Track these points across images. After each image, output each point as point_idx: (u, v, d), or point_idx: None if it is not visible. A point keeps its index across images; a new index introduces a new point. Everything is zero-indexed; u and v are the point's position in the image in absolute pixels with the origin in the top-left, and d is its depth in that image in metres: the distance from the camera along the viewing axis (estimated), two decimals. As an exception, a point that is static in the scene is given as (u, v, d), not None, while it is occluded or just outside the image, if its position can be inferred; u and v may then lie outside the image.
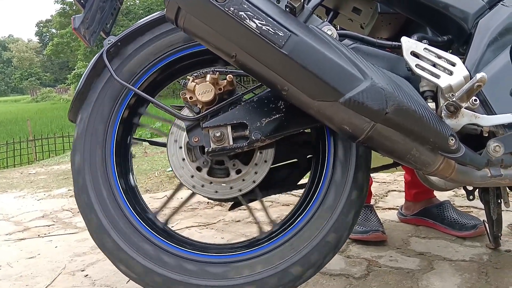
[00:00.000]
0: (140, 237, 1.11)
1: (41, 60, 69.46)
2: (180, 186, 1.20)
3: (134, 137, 1.25)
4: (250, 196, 1.21)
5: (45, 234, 1.99)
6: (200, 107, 1.06)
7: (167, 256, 1.10)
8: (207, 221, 2.04)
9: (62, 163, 4.84)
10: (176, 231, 1.23)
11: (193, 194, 1.19)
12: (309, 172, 1.23)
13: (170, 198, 1.26)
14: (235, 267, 1.09)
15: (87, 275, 1.50)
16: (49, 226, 2.12)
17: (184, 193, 1.17)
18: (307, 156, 1.28)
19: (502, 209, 1.42)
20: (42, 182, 3.52)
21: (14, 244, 1.87)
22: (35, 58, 69.68)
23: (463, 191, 2.16)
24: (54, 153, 7.54)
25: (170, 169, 1.14)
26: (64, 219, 2.22)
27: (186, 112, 1.10)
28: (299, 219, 1.11)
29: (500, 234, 1.47)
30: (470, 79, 0.97)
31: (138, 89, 1.13)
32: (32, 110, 23.86)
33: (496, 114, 1.03)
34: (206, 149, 1.05)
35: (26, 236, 1.97)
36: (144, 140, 1.42)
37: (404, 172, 1.88)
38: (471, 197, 1.39)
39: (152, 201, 2.49)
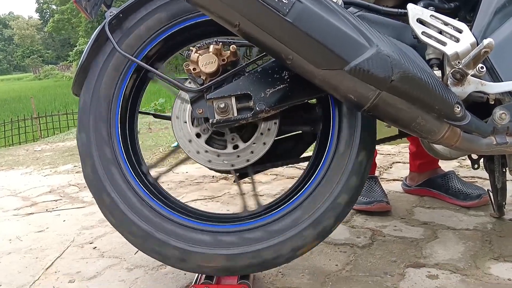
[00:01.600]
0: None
1: (43, 37, 68.97)
2: (177, 148, 1.19)
3: (140, 110, 1.24)
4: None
5: (52, 208, 2.02)
6: (203, 79, 1.05)
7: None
8: (212, 194, 2.06)
9: (67, 140, 4.85)
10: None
11: (187, 157, 1.19)
12: (314, 144, 1.23)
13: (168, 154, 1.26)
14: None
15: (95, 247, 1.53)
16: (56, 201, 2.14)
17: (188, 168, 1.17)
18: (312, 128, 1.28)
19: (507, 178, 1.43)
20: (48, 158, 3.54)
21: (23, 218, 1.90)
22: (36, 35, 69.12)
23: (467, 162, 2.16)
24: (59, 130, 7.57)
25: (175, 144, 1.15)
26: (71, 194, 2.25)
27: (190, 83, 1.09)
28: (304, 188, 1.11)
29: (504, 203, 1.48)
30: (477, 45, 0.96)
31: (141, 61, 1.13)
32: (35, 88, 23.82)
33: (502, 81, 1.02)
34: (210, 121, 1.05)
35: (34, 211, 2.00)
36: (149, 114, 1.42)
37: (409, 143, 1.88)
38: (476, 166, 1.39)
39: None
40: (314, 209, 1.08)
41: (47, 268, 1.38)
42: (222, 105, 1.03)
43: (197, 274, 1.17)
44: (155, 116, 1.36)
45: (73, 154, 3.61)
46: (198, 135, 1.13)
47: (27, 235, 1.68)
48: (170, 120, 1.14)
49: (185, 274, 1.24)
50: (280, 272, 1.25)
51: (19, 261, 1.45)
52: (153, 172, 1.23)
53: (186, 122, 1.12)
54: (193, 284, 1.14)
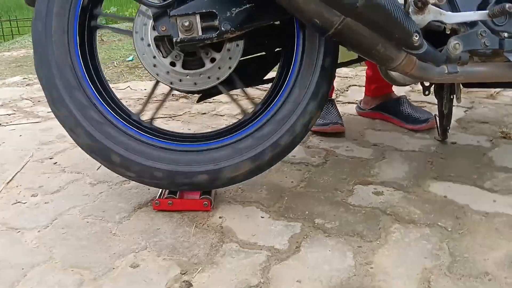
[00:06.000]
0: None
1: None
2: (156, 84, 1.20)
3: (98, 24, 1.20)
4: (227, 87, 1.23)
5: (6, 123, 1.96)
6: (167, -6, 1.02)
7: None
8: (173, 113, 2.06)
9: (13, 50, 4.56)
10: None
11: (171, 90, 1.20)
12: (277, 65, 1.25)
13: (149, 97, 1.25)
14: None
15: (56, 162, 1.53)
16: (9, 115, 2.08)
17: (146, 85, 1.17)
18: (275, 50, 1.29)
19: (453, 104, 1.53)
20: (-6, 70, 3.35)
21: (-25, 132, 1.85)
22: None
23: (419, 87, 2.26)
24: (2, 39, 7.03)
25: (130, 58, 1.14)
26: (24, 108, 2.18)
27: (152, -2, 1.05)
28: (269, 107, 1.15)
29: (448, 128, 1.60)
30: (441, -26, 0.98)
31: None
32: (-30, -10, 21.60)
33: (461, 11, 1.06)
34: (174, 39, 1.03)
35: (-14, 125, 1.94)
36: (107, 27, 1.37)
37: (366, 67, 1.93)
38: (426, 92, 1.47)
39: (114, 91, 2.45)
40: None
41: (8, 182, 1.38)
42: (186, 23, 1.01)
43: (160, 190, 1.22)
44: (114, 30, 1.31)
45: (20, 65, 3.42)
46: (172, 64, 1.12)
47: (-18, 149, 1.65)
48: (131, 36, 1.12)
49: (148, 189, 1.29)
50: (240, 188, 1.32)
51: (-23, 175, 1.44)
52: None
53: (155, 57, 1.12)
54: (157, 198, 1.19)
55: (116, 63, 3.28)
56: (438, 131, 1.63)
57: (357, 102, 2.05)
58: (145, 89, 2.48)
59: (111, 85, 2.39)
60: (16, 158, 1.57)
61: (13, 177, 1.42)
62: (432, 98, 1.61)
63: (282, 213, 1.19)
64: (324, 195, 1.28)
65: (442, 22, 1.06)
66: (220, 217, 1.18)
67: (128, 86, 2.55)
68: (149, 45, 1.12)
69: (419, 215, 1.17)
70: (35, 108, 2.16)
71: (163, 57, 1.13)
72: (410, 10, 1.02)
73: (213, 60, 1.13)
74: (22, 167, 1.49)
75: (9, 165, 1.51)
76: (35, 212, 1.22)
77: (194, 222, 1.15)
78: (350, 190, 1.31)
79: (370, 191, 1.30)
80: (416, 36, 1.00)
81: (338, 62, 1.26)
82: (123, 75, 2.93)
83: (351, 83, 2.49)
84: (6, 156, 1.59)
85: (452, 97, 1.48)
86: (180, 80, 1.14)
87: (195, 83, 1.14)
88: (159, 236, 1.10)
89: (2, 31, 7.45)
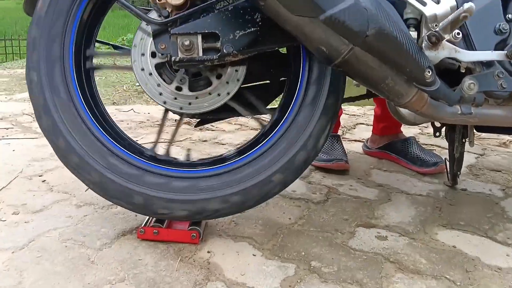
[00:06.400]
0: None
1: (6, -46, 63.85)
2: (166, 112, 1.15)
3: (98, 39, 1.16)
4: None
5: (2, 136, 1.91)
6: (169, 11, 0.98)
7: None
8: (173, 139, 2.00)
9: (26, 67, 4.60)
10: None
11: (182, 115, 1.15)
12: (281, 95, 1.19)
13: (161, 128, 1.20)
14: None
15: (44, 180, 1.46)
16: (7, 129, 2.04)
17: (149, 109, 1.11)
18: (280, 79, 1.23)
19: (465, 149, 1.45)
20: (4, 85, 3.35)
21: (-31, 144, 1.80)
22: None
23: (429, 130, 2.20)
24: (18, 56, 7.14)
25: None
26: (23, 123, 2.14)
27: (154, 15, 1.01)
28: (267, 139, 1.08)
29: (459, 173, 1.51)
30: (457, 9, 0.93)
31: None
32: (-4, 9, 22.26)
33: (476, 50, 1.00)
34: (173, 59, 0.98)
35: (-18, 137, 1.89)
36: (107, 43, 1.33)
37: (375, 106, 1.88)
38: (437, 133, 1.40)
39: (117, 113, 2.42)
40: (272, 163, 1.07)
41: (-9, 198, 1.31)
42: (186, 43, 0.96)
43: (147, 217, 1.14)
44: (114, 47, 1.27)
45: (30, 82, 3.42)
46: (178, 89, 1.08)
47: (-28, 162, 1.60)
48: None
49: (136, 216, 1.21)
50: (233, 221, 1.24)
51: (-39, 188, 1.38)
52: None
53: (160, 85, 1.08)
54: (142, 226, 1.11)
55: (126, 87, 3.28)
56: (448, 176, 1.54)
57: (363, 140, 1.98)
58: (148, 113, 2.44)
59: (115, 107, 2.36)
60: (4, 173, 1.50)
61: (-3, 192, 1.35)
62: (442, 142, 1.54)
63: (276, 252, 1.10)
64: (323, 235, 1.20)
65: (456, 60, 1.00)
66: (208, 252, 1.09)
67: (132, 109, 2.51)
68: (150, 74, 1.07)
69: (425, 265, 1.08)
70: (34, 124, 2.11)
71: (167, 83, 1.08)
72: (423, 44, 0.96)
73: (219, 76, 1.08)
74: (9, 183, 1.43)
75: (-4, 180, 1.44)
76: (13, 231, 1.14)
77: (179, 255, 1.06)
78: (351, 232, 1.22)
79: (373, 235, 1.21)
80: (429, 72, 0.94)
81: (345, 96, 1.20)
82: (131, 99, 2.90)
83: (358, 121, 2.43)
84: (-6, 170, 1.53)
85: (464, 140, 1.41)
86: (190, 104, 1.09)
87: (206, 104, 1.09)
88: (140, 267, 1.01)
89: (19, 49, 7.60)
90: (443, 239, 1.20)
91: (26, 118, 2.22)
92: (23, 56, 7.00)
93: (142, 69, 1.08)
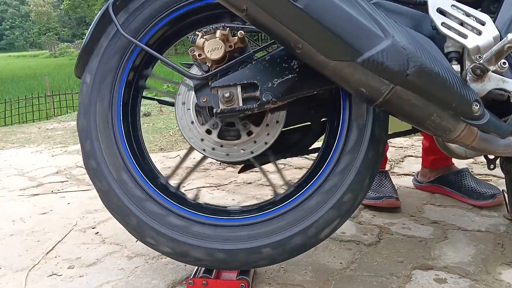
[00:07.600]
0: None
1: (59, 15, 69.07)
2: (191, 149, 1.17)
3: (144, 95, 1.21)
4: (262, 159, 1.18)
5: (58, 190, 2.01)
6: (209, 65, 1.01)
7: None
8: (218, 182, 2.02)
9: (78, 120, 4.85)
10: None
11: (204, 157, 1.17)
12: (323, 135, 1.19)
13: (180, 163, 1.22)
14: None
15: (97, 232, 1.51)
16: (62, 182, 2.13)
17: (197, 154, 1.13)
18: (321, 119, 1.23)
19: (524, 179, 1.36)
20: (59, 137, 3.54)
21: (28, 199, 1.90)
22: (52, 12, 69.17)
23: (482, 158, 2.09)
24: (72, 109, 7.58)
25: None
26: (77, 176, 2.23)
27: (194, 70, 1.05)
28: (312, 181, 1.07)
29: (519, 205, 1.42)
30: (500, 40, 0.90)
31: (145, 45, 1.08)
32: (50, 65, 23.94)
33: (526, 79, 0.96)
34: (214, 110, 1.00)
35: (39, 192, 1.99)
36: (152, 99, 1.38)
37: (423, 137, 1.82)
38: (491, 166, 1.32)
39: (165, 160, 2.48)
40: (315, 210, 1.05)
41: (48, 253, 1.36)
42: (227, 94, 0.98)
43: (196, 267, 1.14)
44: (159, 102, 1.32)
45: (83, 134, 3.60)
46: (208, 132, 1.09)
47: (30, 217, 1.67)
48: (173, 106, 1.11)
49: (185, 266, 1.21)
50: (282, 267, 1.21)
51: (21, 244, 1.44)
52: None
53: (193, 122, 1.09)
54: (191, 277, 1.11)
55: (172, 132, 3.38)
56: (507, 208, 1.45)
57: (413, 174, 1.91)
58: (194, 158, 2.49)
59: (162, 154, 2.42)
60: (60, 226, 1.56)
61: (54, 247, 1.40)
62: (498, 171, 1.46)
63: (329, 300, 1.06)
64: (377, 280, 1.14)
65: (505, 90, 0.95)
66: (258, 301, 1.07)
67: (178, 155, 2.57)
68: (189, 109, 1.10)
69: (491, 310, 1.00)
70: (87, 176, 2.20)
71: (201, 124, 1.10)
72: (468, 78, 0.93)
73: (250, 133, 1.08)
74: (64, 237, 1.48)
75: (52, 234, 1.50)
76: (68, 285, 1.17)
77: (230, 306, 1.05)
78: (407, 275, 1.16)
79: (431, 278, 1.14)
80: (476, 105, 0.90)
81: (390, 132, 1.17)
82: (177, 144, 2.98)
83: (406, 154, 2.36)
84: (51, 224, 1.59)
85: (522, 171, 1.33)
86: (213, 149, 1.10)
87: (228, 154, 1.10)
88: (191, 320, 1.00)
89: (73, 102, 8.07)
90: (509, 279, 1.12)
91: (80, 171, 2.32)
92: (76, 109, 7.41)
93: (183, 103, 1.10)
